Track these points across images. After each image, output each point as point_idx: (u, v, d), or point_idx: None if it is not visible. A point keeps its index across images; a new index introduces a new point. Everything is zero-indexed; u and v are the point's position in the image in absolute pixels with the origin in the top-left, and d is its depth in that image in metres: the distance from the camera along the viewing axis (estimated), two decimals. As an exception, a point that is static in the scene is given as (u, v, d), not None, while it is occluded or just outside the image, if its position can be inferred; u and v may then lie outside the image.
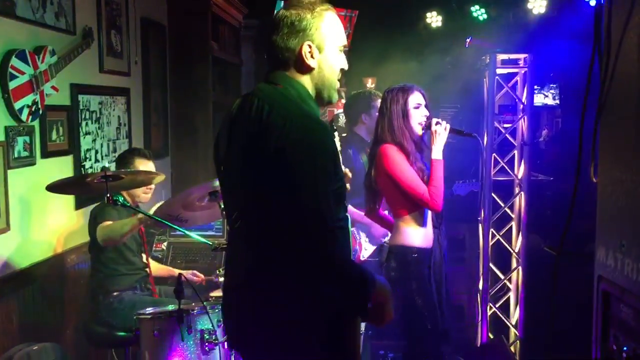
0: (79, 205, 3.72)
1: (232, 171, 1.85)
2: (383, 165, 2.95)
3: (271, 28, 1.85)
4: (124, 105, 4.34)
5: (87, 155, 3.82)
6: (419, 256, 2.95)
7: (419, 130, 3.00)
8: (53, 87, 3.34)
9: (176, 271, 3.66)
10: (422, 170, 2.95)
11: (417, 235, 2.97)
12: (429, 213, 3.01)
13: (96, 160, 3.93)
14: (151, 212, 3.08)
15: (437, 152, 2.98)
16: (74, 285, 3.62)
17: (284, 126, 1.67)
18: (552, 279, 1.49)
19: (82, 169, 3.75)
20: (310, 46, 1.81)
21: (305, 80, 1.85)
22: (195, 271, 3.72)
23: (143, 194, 3.38)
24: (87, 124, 3.83)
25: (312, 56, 1.82)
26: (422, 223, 2.99)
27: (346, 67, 1.92)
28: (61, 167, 3.52)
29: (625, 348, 1.34)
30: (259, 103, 1.76)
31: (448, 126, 3.00)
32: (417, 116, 2.99)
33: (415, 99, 2.99)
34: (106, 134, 4.07)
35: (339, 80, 1.92)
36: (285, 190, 1.66)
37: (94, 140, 3.91)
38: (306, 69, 1.84)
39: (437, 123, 3.00)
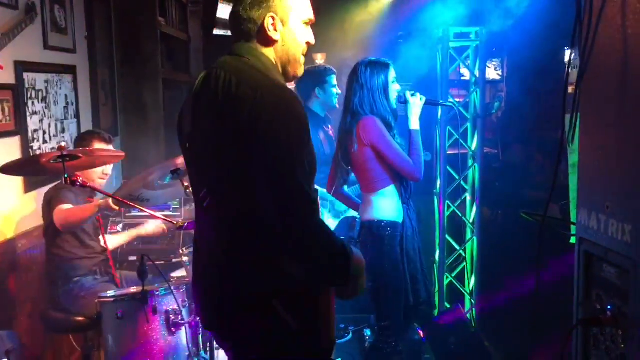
0: (28, 188, 3.57)
1: (200, 147, 1.79)
2: (368, 137, 2.93)
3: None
4: (70, 83, 4.17)
5: (35, 136, 3.66)
6: (392, 231, 2.98)
7: (395, 104, 3.03)
8: (-2, 65, 3.17)
9: (133, 232, 3.60)
10: (400, 146, 2.98)
11: (391, 209, 3.00)
12: (401, 188, 3.04)
13: (44, 141, 3.77)
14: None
15: (414, 123, 3.03)
16: (26, 271, 3.49)
17: (255, 97, 1.63)
18: (537, 247, 1.51)
19: (30, 150, 3.59)
20: (273, 18, 1.79)
21: (269, 53, 1.83)
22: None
23: (99, 179, 3.27)
24: (33, 103, 3.66)
25: (275, 29, 1.80)
26: (395, 197, 3.02)
27: (313, 41, 1.89)
28: (8, 149, 3.36)
29: (609, 307, 1.38)
30: (226, 76, 1.71)
31: (424, 97, 3.06)
32: (394, 91, 3.02)
33: (393, 73, 3.02)
34: (54, 114, 3.91)
35: (304, 55, 1.89)
36: (261, 161, 1.62)
37: (41, 121, 3.75)
38: (269, 42, 1.81)
39: (412, 94, 3.05)
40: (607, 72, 1.37)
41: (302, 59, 1.89)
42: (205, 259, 1.85)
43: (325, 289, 1.81)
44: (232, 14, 1.84)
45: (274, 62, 1.83)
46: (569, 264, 1.63)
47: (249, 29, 1.80)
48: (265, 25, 1.78)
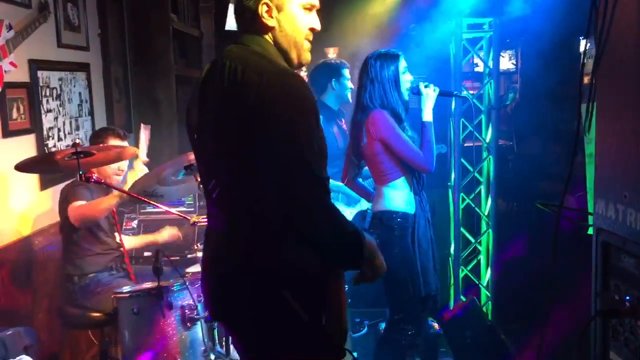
0: (44, 185, 3.60)
1: (207, 138, 1.79)
2: (377, 131, 2.93)
3: None
4: (84, 81, 4.20)
5: (50, 134, 3.69)
6: (404, 221, 2.97)
7: (406, 96, 3.01)
8: (11, 63, 3.19)
9: (149, 237, 3.61)
10: (412, 138, 2.97)
11: (402, 200, 3.00)
12: (413, 180, 3.03)
13: (59, 139, 3.79)
14: (125, 188, 2.99)
15: (427, 114, 3.02)
16: (43, 268, 3.52)
17: (261, 83, 1.63)
18: (553, 238, 1.49)
19: (45, 147, 3.62)
20: (268, 5, 1.77)
21: (270, 40, 1.81)
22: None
23: (115, 176, 3.28)
24: (47, 101, 3.69)
25: (270, 15, 1.78)
26: (407, 189, 3.02)
27: (317, 26, 1.86)
28: (23, 147, 3.39)
29: (628, 297, 1.36)
30: (231, 64, 1.71)
31: (437, 89, 3.03)
32: (405, 82, 3.00)
33: (403, 64, 3.00)
34: (68, 112, 3.94)
35: (310, 40, 1.86)
36: (268, 147, 1.61)
37: (55, 118, 3.77)
38: (267, 29, 1.80)
39: (426, 86, 3.03)
40: (623, 59, 1.35)
41: (307, 45, 1.85)
42: (216, 250, 1.85)
43: (335, 279, 1.81)
44: (235, 4, 1.84)
45: (275, 49, 1.81)
46: (587, 255, 1.61)
47: (248, 18, 1.80)
48: (260, 12, 1.77)
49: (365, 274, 1.83)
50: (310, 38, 1.86)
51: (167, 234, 3.66)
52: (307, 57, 1.87)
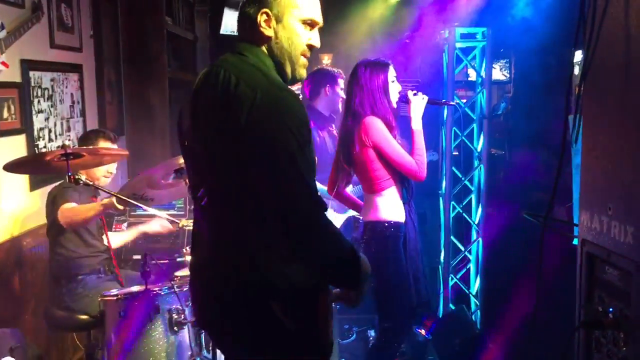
0: (33, 186, 3.58)
1: (198, 146, 1.77)
2: (371, 138, 2.92)
3: None
4: (76, 82, 4.19)
5: (41, 134, 3.67)
6: (396, 231, 2.97)
7: (394, 104, 3.02)
8: (3, 63, 3.19)
9: (140, 229, 3.60)
10: (403, 145, 2.97)
11: (393, 210, 2.99)
12: (403, 188, 3.03)
13: (50, 140, 3.78)
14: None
15: (416, 123, 3.02)
16: (31, 269, 3.51)
17: (255, 97, 1.61)
18: (539, 248, 1.50)
19: (36, 148, 3.60)
20: (267, 14, 1.75)
21: (266, 51, 1.79)
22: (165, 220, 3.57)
23: (103, 177, 3.27)
24: (39, 101, 3.68)
25: (268, 25, 1.76)
26: (397, 198, 3.01)
27: (317, 44, 1.83)
28: (14, 147, 3.37)
29: (611, 309, 1.37)
30: (225, 74, 1.68)
31: (426, 97, 3.04)
32: (394, 91, 3.01)
33: (392, 73, 3.00)
34: (59, 113, 3.92)
35: (307, 57, 1.83)
36: (262, 161, 1.59)
37: (47, 119, 3.76)
38: (263, 39, 1.78)
39: (415, 94, 3.03)
40: (610, 72, 1.36)
41: (303, 61, 1.82)
42: (203, 258, 1.84)
43: (323, 290, 1.80)
44: (239, 12, 1.83)
45: (273, 61, 1.79)
46: (572, 266, 1.62)
47: (248, 26, 1.78)
48: (258, 21, 1.76)
49: (350, 297, 1.82)
50: (308, 55, 1.83)
51: (157, 224, 3.62)
52: (302, 73, 1.83)
